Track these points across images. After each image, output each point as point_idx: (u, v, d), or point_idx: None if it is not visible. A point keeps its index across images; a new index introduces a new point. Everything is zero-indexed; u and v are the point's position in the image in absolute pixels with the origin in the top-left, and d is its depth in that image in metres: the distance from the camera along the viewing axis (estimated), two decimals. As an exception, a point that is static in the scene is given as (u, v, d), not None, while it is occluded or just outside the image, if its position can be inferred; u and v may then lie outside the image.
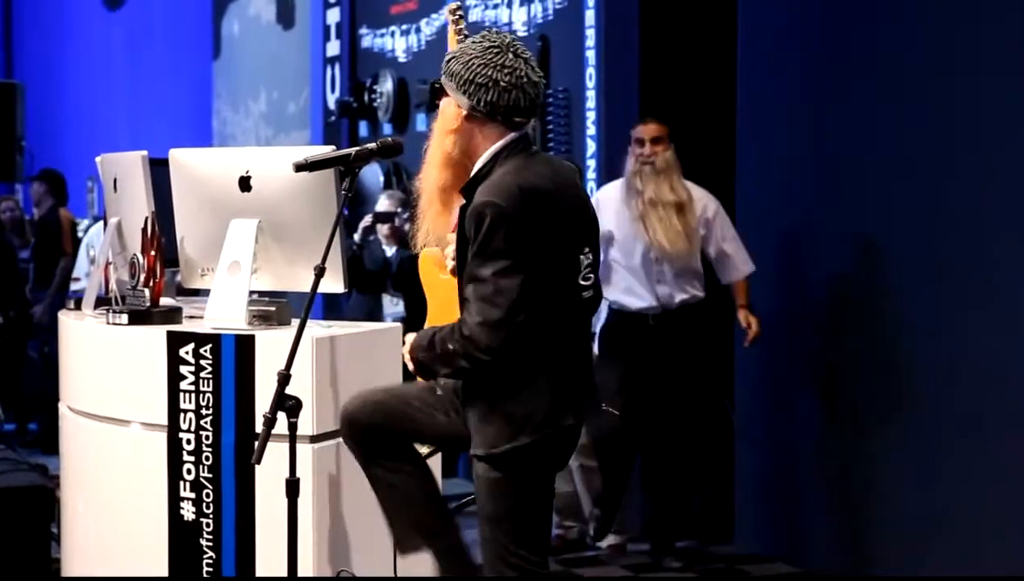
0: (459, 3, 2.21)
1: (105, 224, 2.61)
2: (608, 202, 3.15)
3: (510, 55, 1.79)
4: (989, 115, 2.78)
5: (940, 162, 2.88)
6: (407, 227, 3.77)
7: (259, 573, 2.03)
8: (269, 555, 1.98)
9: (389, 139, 2.06)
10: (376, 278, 3.81)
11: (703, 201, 3.18)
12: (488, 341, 1.71)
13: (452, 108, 1.84)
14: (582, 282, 1.86)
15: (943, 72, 2.87)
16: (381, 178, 4.50)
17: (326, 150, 2.08)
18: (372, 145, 1.99)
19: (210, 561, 2.09)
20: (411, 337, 1.90)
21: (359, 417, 1.94)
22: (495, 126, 1.82)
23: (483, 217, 1.72)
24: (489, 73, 1.77)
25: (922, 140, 2.93)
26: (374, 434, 1.94)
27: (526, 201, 1.75)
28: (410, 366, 1.90)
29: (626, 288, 3.15)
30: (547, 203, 1.80)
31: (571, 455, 2.00)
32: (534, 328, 1.75)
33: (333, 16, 5.59)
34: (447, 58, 1.86)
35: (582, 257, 1.86)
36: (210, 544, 2.08)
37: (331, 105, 5.56)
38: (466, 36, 2.00)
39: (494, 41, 1.82)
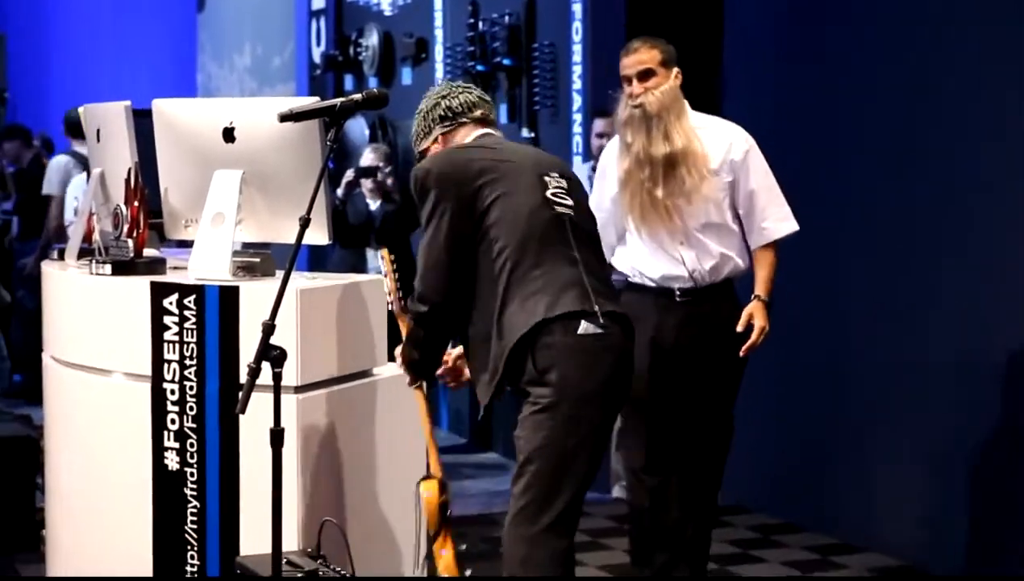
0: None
1: (88, 175, 2.59)
2: (610, 166, 2.52)
3: (451, 92, 2.14)
4: (941, 133, 2.88)
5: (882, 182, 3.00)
6: (390, 181, 3.76)
7: (243, 522, 2.06)
8: (253, 504, 2.00)
9: (375, 90, 2.07)
10: (359, 232, 3.81)
11: (725, 140, 2.44)
12: (419, 292, 1.99)
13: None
14: (552, 197, 1.97)
15: (897, 84, 2.96)
16: (367, 132, 4.50)
17: (311, 101, 2.07)
18: (357, 96, 1.98)
19: (194, 510, 2.10)
20: (398, 352, 2.12)
21: None
22: (465, 128, 2.08)
23: (414, 182, 2.01)
24: (431, 103, 2.13)
25: (869, 157, 3.07)
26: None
27: (452, 158, 2.01)
28: (406, 372, 2.11)
29: (642, 250, 2.47)
30: (485, 156, 2.00)
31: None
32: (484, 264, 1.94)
33: None
34: (413, 137, 2.19)
35: (547, 178, 2.00)
36: (194, 493, 2.10)
37: (316, 59, 5.55)
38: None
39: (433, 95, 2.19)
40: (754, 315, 2.33)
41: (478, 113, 2.09)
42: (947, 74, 2.90)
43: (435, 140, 2.10)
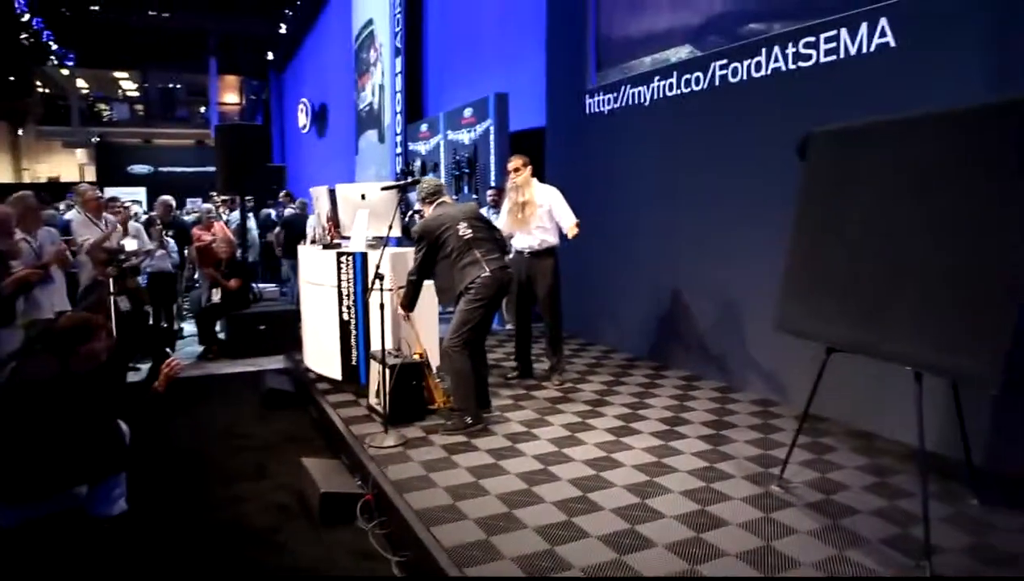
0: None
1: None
2: (504, 207, 5.69)
3: (427, 180, 5.26)
4: (681, 186, 6.01)
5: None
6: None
7: (372, 340, 5.67)
8: (375, 334, 5.59)
9: (412, 180, 5.57)
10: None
11: (547, 196, 5.49)
12: (412, 274, 5.08)
13: (426, 208, 5.24)
14: (463, 232, 5.02)
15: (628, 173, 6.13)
16: (415, 194, 8.68)
17: (392, 183, 5.61)
18: (409, 181, 5.51)
19: (354, 334, 5.76)
20: (399, 302, 5.28)
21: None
22: (429, 203, 5.18)
23: (415, 232, 5.21)
24: (423, 188, 5.18)
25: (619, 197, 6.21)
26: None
27: (430, 221, 5.13)
28: (403, 314, 5.22)
29: (517, 237, 5.61)
30: (441, 218, 5.16)
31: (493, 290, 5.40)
32: (446, 265, 5.18)
33: (398, 139, 12.46)
34: (415, 200, 5.37)
35: (464, 222, 5.08)
36: (354, 331, 5.75)
37: (397, 170, 10.58)
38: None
39: (421, 182, 5.37)
40: (572, 228, 5.38)
41: (439, 195, 5.23)
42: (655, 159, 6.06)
43: (424, 203, 5.23)
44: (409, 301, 5.00)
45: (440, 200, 5.13)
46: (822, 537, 3.22)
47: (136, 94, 35.60)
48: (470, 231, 4.89)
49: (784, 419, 4.87)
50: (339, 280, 5.72)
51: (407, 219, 7.10)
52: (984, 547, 3.14)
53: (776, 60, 5.20)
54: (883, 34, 4.47)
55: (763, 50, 5.30)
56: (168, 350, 7.67)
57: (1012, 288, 2.69)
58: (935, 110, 3.18)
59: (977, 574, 2.93)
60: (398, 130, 13.37)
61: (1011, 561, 3.03)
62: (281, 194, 13.04)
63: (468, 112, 8.82)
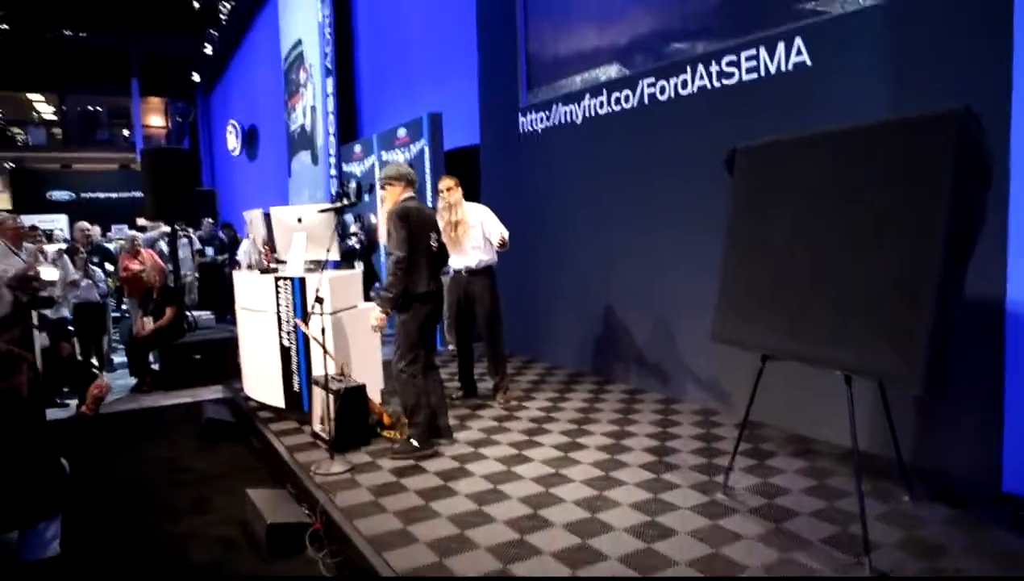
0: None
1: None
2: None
3: (406, 166, 5.20)
4: (626, 198, 6.16)
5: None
6: (361, 235, 7.62)
7: (313, 364, 5.60)
8: (316, 358, 5.52)
9: (346, 203, 5.54)
10: (349, 255, 7.69)
11: (478, 215, 5.55)
12: (402, 263, 4.99)
13: (395, 188, 5.18)
14: (432, 244, 5.10)
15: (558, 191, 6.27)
16: (351, 217, 8.71)
17: (328, 205, 5.56)
18: (346, 202, 5.48)
19: (296, 362, 5.67)
20: (376, 311, 4.98)
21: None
22: (408, 189, 5.16)
23: (392, 214, 5.13)
24: (404, 171, 5.08)
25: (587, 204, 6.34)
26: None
27: (411, 210, 5.14)
28: (380, 319, 4.91)
29: (453, 257, 5.56)
30: (415, 214, 5.15)
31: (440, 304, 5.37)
32: (414, 260, 5.15)
33: (332, 160, 12.65)
34: (386, 171, 5.17)
35: (432, 234, 5.16)
36: (295, 357, 5.66)
37: (332, 192, 10.88)
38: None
39: (398, 163, 5.30)
40: (503, 241, 5.47)
41: (413, 186, 5.13)
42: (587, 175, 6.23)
43: (395, 184, 4.92)
44: (398, 297, 4.62)
45: (412, 194, 4.88)
46: (767, 541, 3.32)
47: (53, 117, 34.35)
48: (436, 246, 4.83)
49: (726, 427, 5.00)
50: (278, 306, 5.64)
51: (343, 242, 7.06)
52: (916, 540, 3.28)
53: (701, 78, 5.37)
54: (799, 52, 4.67)
55: (688, 68, 5.47)
56: (96, 371, 7.41)
57: (931, 291, 2.85)
58: (851, 124, 3.35)
59: (908, 564, 3.07)
60: (332, 152, 13.29)
61: (940, 552, 3.18)
62: (205, 222, 12.58)
63: (402, 132, 8.82)
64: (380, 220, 5.19)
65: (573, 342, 6.87)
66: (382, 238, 5.12)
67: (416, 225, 4.63)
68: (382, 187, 4.92)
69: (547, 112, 7.03)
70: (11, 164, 30.29)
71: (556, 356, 7.15)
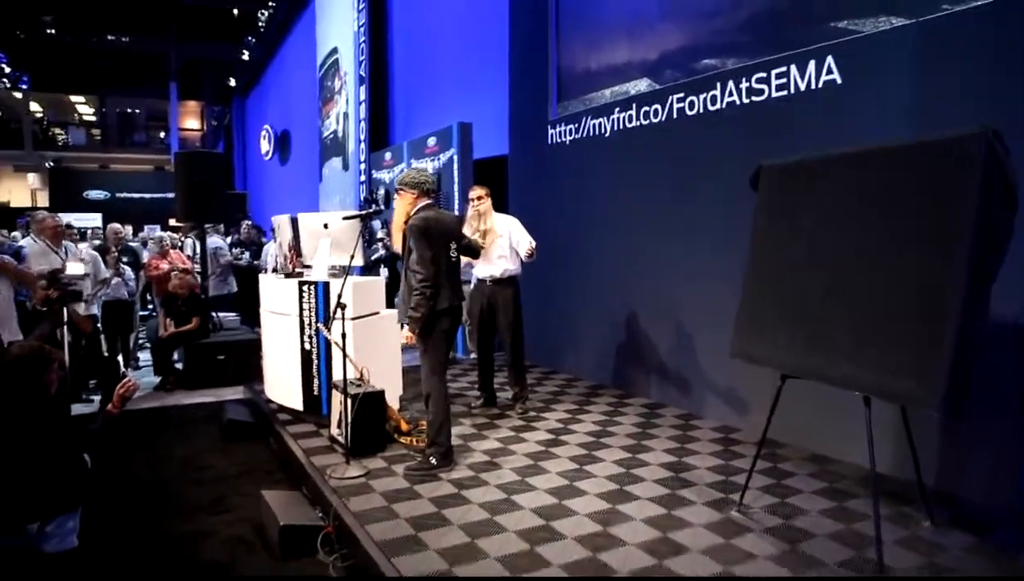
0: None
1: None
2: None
3: (424, 173, 5.22)
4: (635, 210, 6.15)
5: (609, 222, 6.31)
6: (388, 242, 7.64)
7: (333, 370, 5.63)
8: (337, 363, 5.55)
9: (375, 209, 5.59)
10: (375, 262, 7.76)
11: (506, 225, 5.58)
12: (428, 281, 4.99)
13: (408, 195, 5.23)
14: (451, 255, 5.12)
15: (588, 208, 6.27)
16: (379, 224, 8.80)
17: (355, 213, 5.61)
18: (369, 211, 5.52)
19: (317, 366, 5.71)
20: (405, 331, 4.73)
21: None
22: (423, 197, 5.21)
23: (413, 229, 5.15)
24: (420, 178, 5.12)
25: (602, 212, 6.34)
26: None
27: (431, 221, 5.13)
28: (410, 338, 4.83)
29: (479, 266, 5.66)
30: (435, 226, 5.16)
31: (460, 316, 5.40)
32: (436, 280, 5.18)
33: (363, 166, 12.71)
34: (400, 177, 5.26)
35: (452, 244, 5.17)
36: (316, 360, 5.71)
37: (360, 199, 11.20)
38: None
39: (416, 167, 5.37)
40: (531, 252, 5.47)
41: (432, 195, 5.07)
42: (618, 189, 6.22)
43: (411, 191, 4.87)
44: (425, 317, 4.50)
45: (430, 202, 4.77)
46: (781, 561, 3.28)
47: (93, 118, 35.11)
48: (456, 254, 4.75)
49: (745, 445, 4.95)
50: (301, 309, 5.69)
51: (370, 248, 7.12)
52: (934, 567, 3.22)
53: (731, 94, 5.35)
54: (830, 71, 4.64)
55: (718, 84, 5.45)
56: (124, 371, 7.52)
57: (954, 314, 2.80)
58: (877, 144, 3.31)
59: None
60: (362, 158, 13.41)
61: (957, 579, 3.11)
62: (244, 225, 12.61)
63: (432, 141, 8.89)
64: (395, 225, 5.09)
65: (595, 354, 6.85)
66: (395, 244, 5.08)
67: (436, 239, 4.56)
68: (396, 192, 4.88)
69: (576, 125, 7.04)
70: (51, 163, 30.98)
71: (578, 367, 7.13)
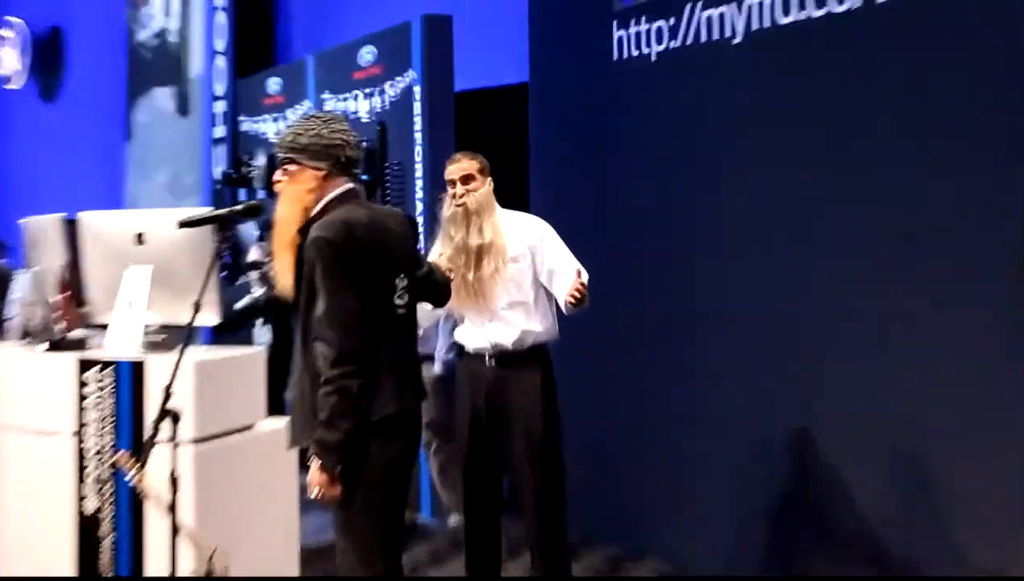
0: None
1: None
2: (433, 254, 2.96)
3: (339, 123, 2.34)
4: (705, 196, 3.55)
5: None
6: (271, 272, 4.52)
7: (149, 555, 2.54)
8: (158, 540, 2.49)
9: (252, 202, 2.61)
10: (246, 313, 4.62)
11: (524, 234, 2.91)
12: (349, 363, 2.16)
13: (307, 173, 2.32)
14: (397, 301, 2.36)
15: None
16: (256, 233, 5.34)
17: (205, 211, 2.63)
18: (239, 207, 2.53)
19: (111, 544, 2.60)
20: (314, 469, 2.19)
21: None
22: (343, 179, 2.32)
23: (317, 247, 2.22)
24: (332, 138, 2.28)
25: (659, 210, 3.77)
26: None
27: (347, 232, 2.24)
28: (321, 486, 2.19)
29: (468, 324, 2.94)
30: (362, 238, 2.28)
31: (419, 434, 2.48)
32: (367, 347, 2.23)
33: (220, 106, 7.35)
34: (287, 137, 2.35)
35: (398, 280, 2.36)
36: (109, 533, 2.60)
37: (216, 176, 6.87)
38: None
39: (319, 114, 2.39)
40: (580, 290, 2.69)
41: (356, 171, 2.37)
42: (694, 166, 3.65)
43: (319, 166, 2.29)
44: (347, 437, 2.20)
45: (352, 188, 2.39)
46: None
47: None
48: (407, 299, 2.40)
49: None
50: (80, 421, 2.63)
51: (235, 284, 4.02)
52: None
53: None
54: None
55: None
56: None
57: None
58: None
59: None
60: (219, 91, 7.67)
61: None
62: None
63: (368, 54, 5.25)
64: (279, 238, 2.42)
65: (721, 520, 3.61)
66: (281, 274, 2.46)
67: (367, 268, 2.30)
68: (281, 168, 2.43)
69: (672, 20, 3.95)
70: None
71: (681, 547, 3.74)
